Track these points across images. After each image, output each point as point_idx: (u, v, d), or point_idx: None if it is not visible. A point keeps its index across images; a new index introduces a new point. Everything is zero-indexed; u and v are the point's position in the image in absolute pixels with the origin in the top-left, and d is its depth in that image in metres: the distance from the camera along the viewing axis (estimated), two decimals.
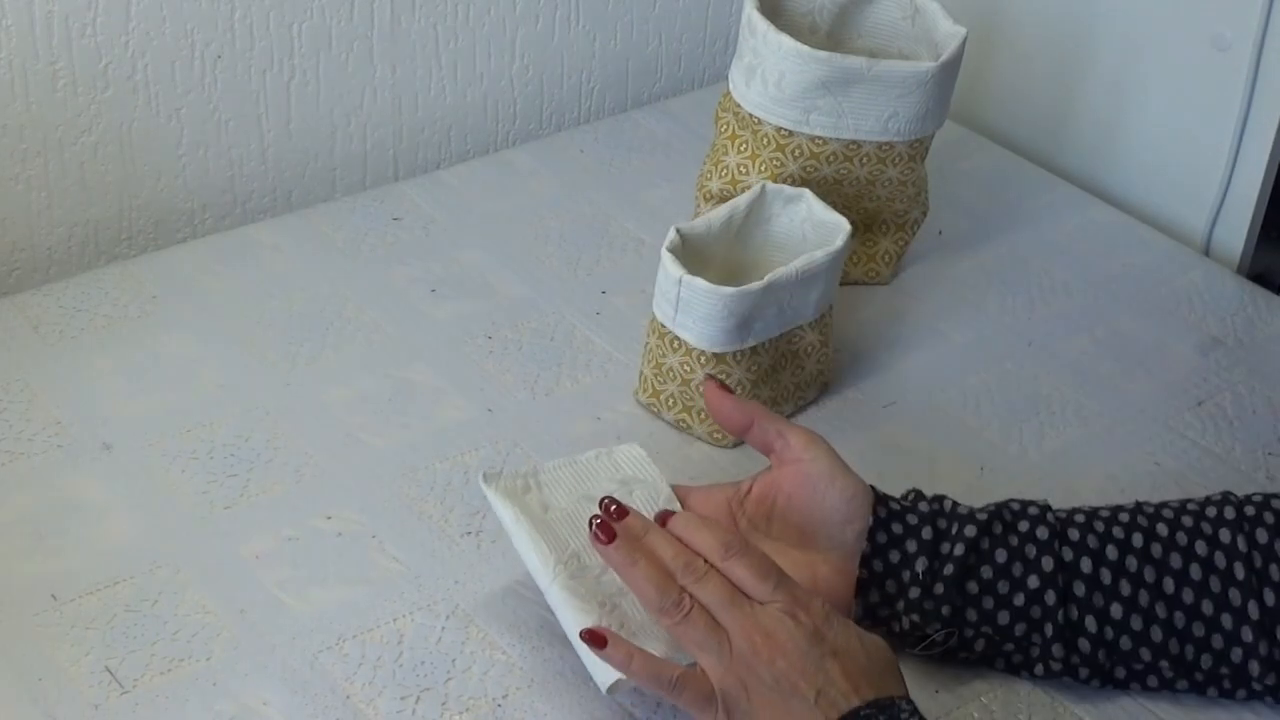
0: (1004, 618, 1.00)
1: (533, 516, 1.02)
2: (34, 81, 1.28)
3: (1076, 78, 1.52)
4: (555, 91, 1.56)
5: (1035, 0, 1.53)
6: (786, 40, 1.23)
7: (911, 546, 1.00)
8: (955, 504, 1.02)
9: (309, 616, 1.04)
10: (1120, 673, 1.01)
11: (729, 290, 1.13)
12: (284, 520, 1.10)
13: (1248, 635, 0.98)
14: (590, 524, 0.96)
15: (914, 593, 1.00)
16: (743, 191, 1.25)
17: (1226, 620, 0.98)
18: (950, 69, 1.27)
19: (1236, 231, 1.44)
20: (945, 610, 0.99)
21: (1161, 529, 1.00)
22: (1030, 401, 1.26)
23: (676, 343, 1.17)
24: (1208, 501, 1.02)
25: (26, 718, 0.96)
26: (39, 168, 1.31)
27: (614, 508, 0.97)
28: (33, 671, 0.99)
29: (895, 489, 1.06)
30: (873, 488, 1.02)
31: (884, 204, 1.32)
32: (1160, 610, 0.99)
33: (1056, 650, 1.00)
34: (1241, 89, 1.39)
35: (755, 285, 1.14)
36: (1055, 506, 1.03)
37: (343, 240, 1.37)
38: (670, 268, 1.15)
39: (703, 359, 1.16)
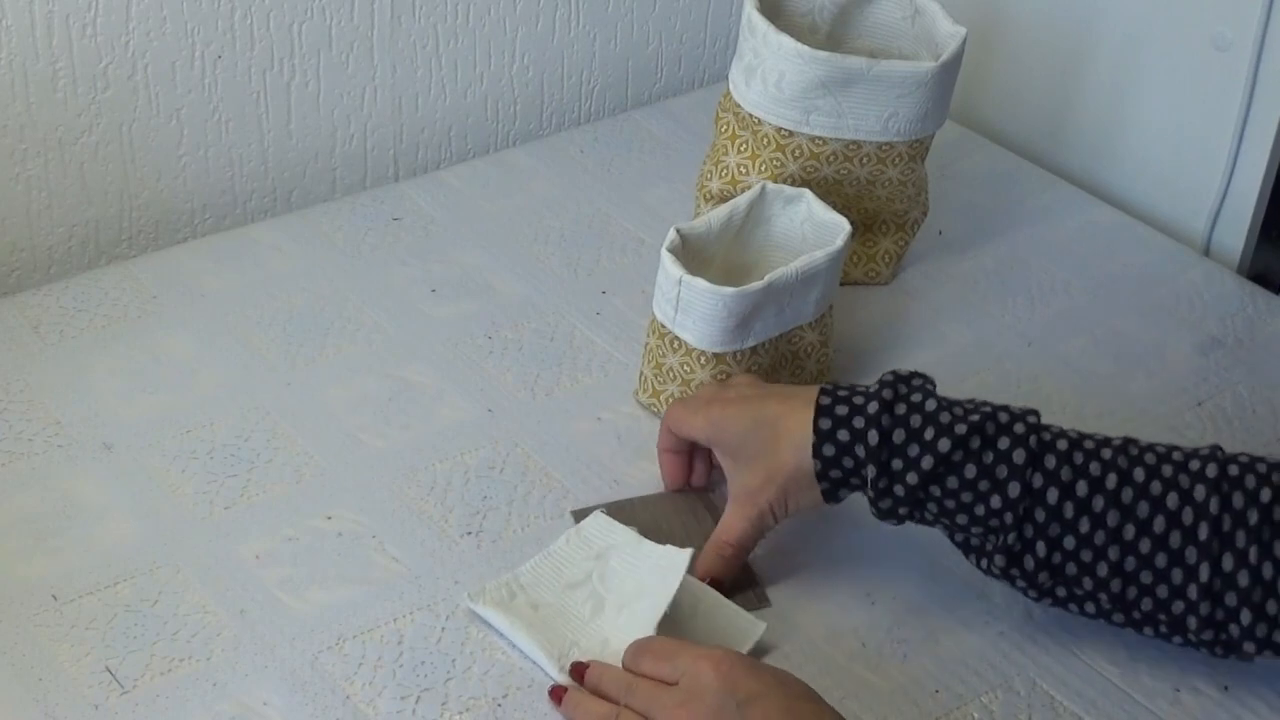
0: (961, 519, 1.01)
1: (525, 619, 1.03)
2: (34, 81, 1.28)
3: (1076, 78, 1.52)
4: (555, 91, 1.56)
5: (1035, 0, 1.53)
6: (786, 40, 1.23)
7: (860, 452, 1.02)
8: (937, 406, 1.01)
9: (309, 616, 1.04)
10: (1061, 591, 1.01)
11: (729, 290, 1.13)
12: (284, 520, 1.10)
13: (1192, 593, 0.98)
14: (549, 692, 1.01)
15: (870, 494, 1.02)
16: (743, 191, 1.25)
17: (1176, 575, 0.98)
18: (950, 69, 1.27)
19: (1236, 231, 1.44)
20: (902, 510, 1.02)
21: (1139, 474, 0.99)
22: (1030, 401, 1.25)
23: (676, 343, 1.17)
24: (1194, 454, 1.01)
25: (26, 718, 0.96)
26: (39, 168, 1.31)
27: (582, 671, 1.01)
28: (33, 671, 0.99)
29: None
30: (820, 390, 1.04)
31: (884, 204, 1.32)
32: (1113, 553, 0.99)
33: (999, 560, 1.01)
34: (1241, 89, 1.39)
35: (755, 285, 1.14)
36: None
37: (343, 240, 1.37)
38: (670, 268, 1.15)
39: (703, 359, 1.16)
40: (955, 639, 1.06)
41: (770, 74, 1.24)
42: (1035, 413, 1.02)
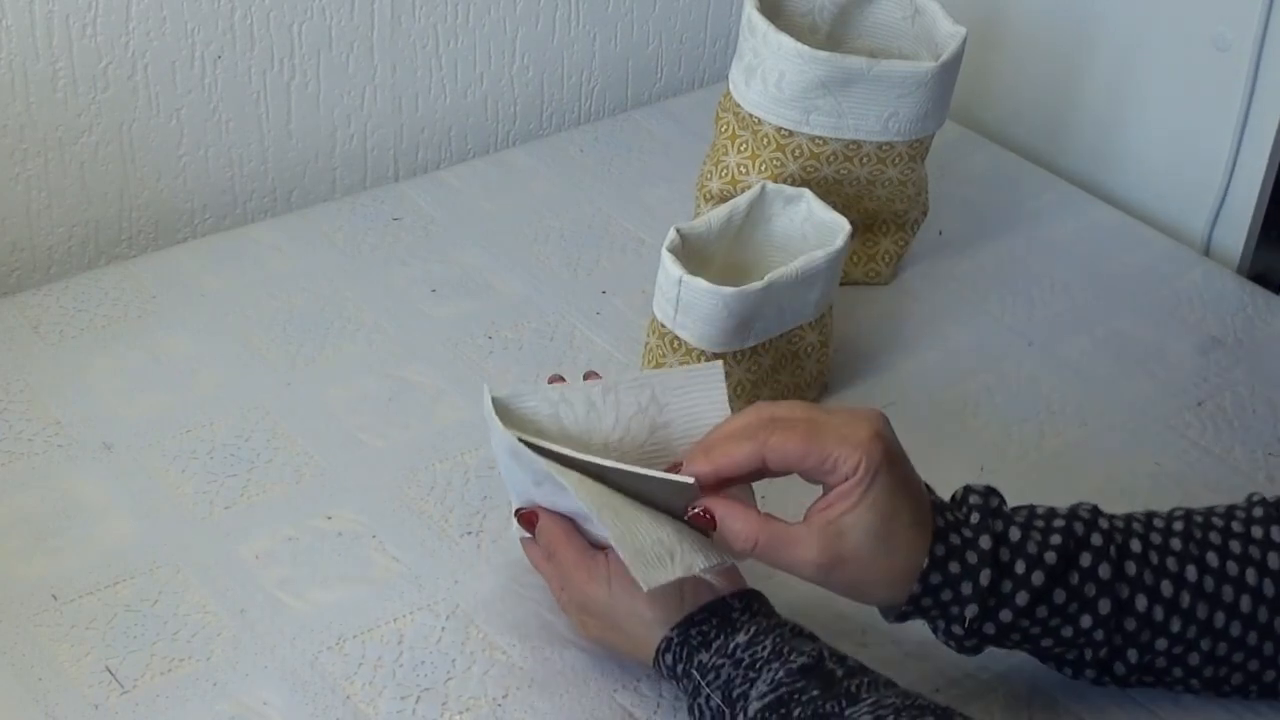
0: (1048, 643, 0.97)
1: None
2: (34, 81, 1.28)
3: (1076, 78, 1.52)
4: (555, 91, 1.56)
5: (1035, 0, 1.53)
6: (786, 40, 1.23)
7: (967, 589, 0.94)
8: (1021, 535, 0.95)
9: (309, 616, 1.04)
10: (1148, 679, 0.99)
11: (729, 290, 1.13)
12: (284, 520, 1.10)
13: None
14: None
15: (957, 630, 0.96)
16: (743, 191, 1.25)
17: (1267, 648, 0.96)
18: (950, 69, 1.27)
19: (1236, 231, 1.44)
20: (988, 645, 0.97)
21: (1212, 559, 0.96)
22: (1030, 401, 1.26)
23: (676, 343, 1.17)
24: (1251, 518, 0.98)
25: (26, 717, 0.97)
26: (39, 168, 1.31)
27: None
28: (33, 671, 0.99)
29: None
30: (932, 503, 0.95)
31: (884, 204, 1.33)
32: (1205, 644, 0.96)
33: (1090, 674, 0.98)
34: (1241, 89, 1.39)
35: (755, 285, 1.14)
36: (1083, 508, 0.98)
37: (343, 240, 1.37)
38: (670, 268, 1.15)
39: (703, 359, 1.16)
40: None
41: (770, 74, 1.24)
42: (1094, 508, 0.98)
